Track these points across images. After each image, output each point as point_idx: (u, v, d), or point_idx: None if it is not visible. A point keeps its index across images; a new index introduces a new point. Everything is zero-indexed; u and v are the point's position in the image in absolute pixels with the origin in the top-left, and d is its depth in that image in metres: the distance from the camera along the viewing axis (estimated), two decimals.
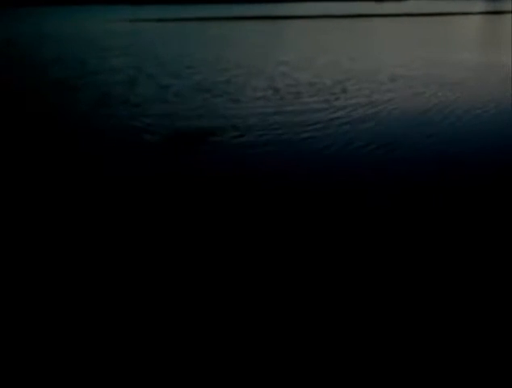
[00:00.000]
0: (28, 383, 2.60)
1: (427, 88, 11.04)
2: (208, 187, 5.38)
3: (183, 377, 2.64)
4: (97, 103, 9.99)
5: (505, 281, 3.48)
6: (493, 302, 3.26)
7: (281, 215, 4.63)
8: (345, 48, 20.32)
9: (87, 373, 2.66)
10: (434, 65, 14.77)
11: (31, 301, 3.34)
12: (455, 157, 6.29)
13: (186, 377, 2.64)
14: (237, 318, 3.15)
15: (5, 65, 16.09)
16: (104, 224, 4.49)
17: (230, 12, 55.06)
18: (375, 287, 3.43)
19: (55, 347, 2.88)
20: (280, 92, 10.71)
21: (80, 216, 4.68)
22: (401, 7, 61.97)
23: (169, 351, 2.84)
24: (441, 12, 48.97)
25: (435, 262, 3.76)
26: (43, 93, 11.19)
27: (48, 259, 3.89)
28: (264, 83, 11.91)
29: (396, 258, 3.82)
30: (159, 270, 3.70)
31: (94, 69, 15.17)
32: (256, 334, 2.98)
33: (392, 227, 4.34)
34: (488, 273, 3.59)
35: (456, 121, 8.10)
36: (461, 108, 9.01)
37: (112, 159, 6.39)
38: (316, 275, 3.60)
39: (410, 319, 3.10)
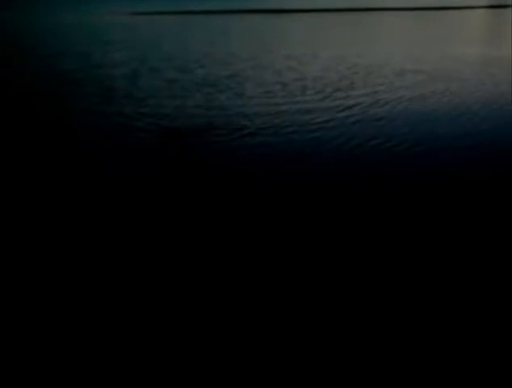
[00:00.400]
0: (28, 383, 2.57)
1: (438, 83, 10.87)
2: (214, 186, 5.25)
3: (183, 377, 2.61)
4: (101, 97, 9.85)
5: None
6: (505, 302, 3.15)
7: (294, 214, 4.50)
8: (351, 42, 20.12)
9: (87, 373, 2.64)
10: (443, 59, 14.57)
11: (30, 300, 3.30)
12: (475, 151, 6.15)
13: (185, 377, 2.61)
14: (241, 316, 3.09)
15: (4, 59, 15.96)
16: (105, 222, 4.37)
17: (233, 5, 54.71)
18: (390, 285, 3.31)
19: (54, 346, 2.85)
20: (288, 87, 10.55)
21: (80, 214, 4.57)
22: (405, 1, 61.51)
23: (168, 350, 2.81)
24: (446, 6, 48.59)
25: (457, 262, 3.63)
26: (45, 87, 11.05)
27: (47, 257, 3.82)
28: (271, 78, 11.75)
29: (419, 255, 3.70)
30: (159, 269, 3.62)
31: (96, 62, 15.01)
32: (257, 333, 2.93)
33: (418, 226, 4.21)
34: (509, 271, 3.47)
35: (473, 117, 7.94)
36: (476, 103, 8.84)
37: (114, 156, 6.27)
38: (337, 272, 3.48)
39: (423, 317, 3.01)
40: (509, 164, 5.76)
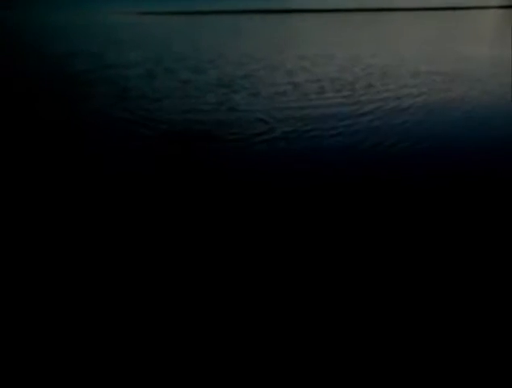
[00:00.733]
0: (27, 383, 2.58)
1: (455, 84, 10.68)
2: (231, 189, 5.11)
3: (183, 376, 2.62)
4: (113, 98, 9.76)
5: None
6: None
7: (317, 216, 4.36)
8: (364, 42, 19.94)
9: (86, 373, 2.64)
10: (458, 60, 14.38)
11: (30, 299, 3.30)
12: (498, 152, 5.98)
13: (185, 377, 2.62)
14: (248, 314, 3.08)
15: (16, 59, 15.93)
16: (110, 222, 4.28)
17: (243, 5, 54.51)
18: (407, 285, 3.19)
19: (53, 346, 2.85)
20: (302, 88, 10.40)
21: (84, 213, 4.49)
22: (417, 1, 61.08)
23: (168, 350, 2.81)
24: (458, 6, 48.22)
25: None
26: (59, 87, 10.98)
27: (46, 255, 3.76)
28: (285, 78, 11.62)
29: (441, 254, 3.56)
30: (162, 269, 3.57)
31: (109, 63, 14.95)
32: (260, 332, 2.93)
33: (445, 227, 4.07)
34: None
35: (494, 116, 7.76)
36: (494, 104, 8.65)
37: (128, 155, 6.16)
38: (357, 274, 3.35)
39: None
40: None
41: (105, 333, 2.97)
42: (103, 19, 34.13)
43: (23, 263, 3.75)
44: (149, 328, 3.01)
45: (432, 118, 7.92)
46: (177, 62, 14.69)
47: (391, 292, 3.34)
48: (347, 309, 3.15)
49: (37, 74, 12.88)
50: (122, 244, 4.02)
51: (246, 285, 3.45)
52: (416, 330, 2.95)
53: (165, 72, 12.89)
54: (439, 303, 3.20)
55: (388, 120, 7.79)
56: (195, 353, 2.79)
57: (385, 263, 3.72)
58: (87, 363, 2.72)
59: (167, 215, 4.54)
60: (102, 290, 3.38)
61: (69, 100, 9.57)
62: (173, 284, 3.45)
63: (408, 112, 8.26)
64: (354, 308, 3.17)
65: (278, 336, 2.92)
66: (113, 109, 8.74)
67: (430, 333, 2.92)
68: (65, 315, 3.14)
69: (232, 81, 11.35)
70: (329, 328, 2.99)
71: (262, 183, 5.30)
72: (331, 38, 21.53)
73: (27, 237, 4.18)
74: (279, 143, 6.66)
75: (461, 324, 2.99)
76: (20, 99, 9.80)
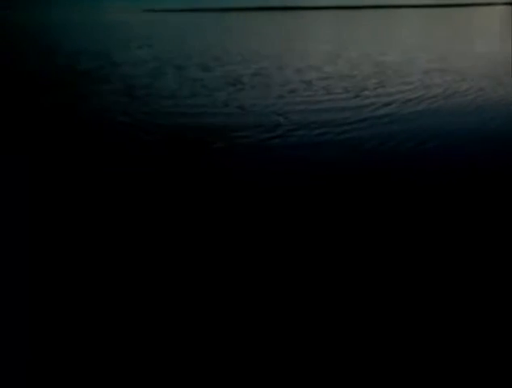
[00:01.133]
0: (27, 383, 2.58)
1: (467, 82, 10.57)
2: (241, 189, 5.06)
3: (182, 376, 2.62)
4: (122, 96, 9.71)
5: None
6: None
7: (330, 222, 4.30)
8: (373, 40, 19.82)
9: (86, 373, 2.64)
10: (467, 57, 14.25)
11: (30, 298, 3.30)
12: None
13: (185, 376, 2.62)
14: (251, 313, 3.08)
15: (24, 56, 15.93)
16: (115, 221, 4.24)
17: (247, 3, 54.36)
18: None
19: (53, 345, 2.84)
20: (313, 86, 10.33)
21: (90, 212, 4.47)
22: None
23: (167, 350, 2.80)
24: (466, 3, 47.89)
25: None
26: (68, 85, 10.95)
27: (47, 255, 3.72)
28: (294, 76, 11.54)
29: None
30: (165, 271, 3.54)
31: (117, 60, 14.92)
32: (258, 332, 2.93)
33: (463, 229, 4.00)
34: None
35: (506, 114, 7.67)
36: (506, 102, 8.55)
37: (133, 155, 6.11)
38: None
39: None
40: None
41: (105, 332, 2.94)
42: (106, 17, 34.12)
43: (22, 263, 3.72)
44: (150, 327, 2.99)
45: (445, 116, 7.83)
46: (183, 60, 14.64)
47: (398, 290, 3.30)
48: (347, 310, 3.12)
49: (41, 73, 12.86)
50: (124, 244, 3.97)
51: (249, 285, 3.42)
52: (417, 330, 2.92)
53: (172, 70, 12.84)
54: (442, 302, 3.16)
55: (401, 118, 7.71)
56: (194, 353, 2.77)
57: (390, 262, 3.67)
58: (87, 362, 2.70)
59: (174, 215, 4.49)
60: (102, 290, 3.35)
61: (74, 99, 9.53)
62: (174, 284, 3.42)
63: (421, 111, 8.17)
64: (354, 308, 3.13)
65: (278, 336, 2.90)
66: (119, 108, 8.70)
67: (430, 333, 2.89)
68: (66, 315, 3.12)
69: (240, 79, 11.29)
70: (329, 328, 2.97)
71: (273, 182, 5.25)
72: (337, 35, 21.42)
73: (26, 237, 4.14)
74: (289, 143, 6.60)
75: (462, 324, 2.96)
76: (25, 97, 9.78)
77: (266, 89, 10.13)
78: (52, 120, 7.95)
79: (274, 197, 4.87)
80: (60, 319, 3.10)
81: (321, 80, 10.94)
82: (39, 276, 3.56)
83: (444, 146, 6.42)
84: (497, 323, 2.96)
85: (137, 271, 3.66)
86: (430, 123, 7.46)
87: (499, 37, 20.20)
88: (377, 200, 4.80)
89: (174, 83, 10.89)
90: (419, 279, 3.46)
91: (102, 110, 8.55)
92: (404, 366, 2.67)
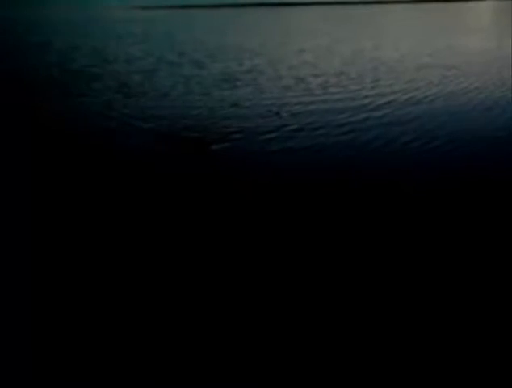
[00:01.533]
0: (27, 382, 2.58)
1: (462, 79, 10.55)
2: (237, 187, 4.99)
3: (182, 376, 2.61)
4: (117, 93, 9.60)
5: None
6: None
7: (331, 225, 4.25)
8: (366, 35, 19.78)
9: (86, 373, 2.63)
10: (462, 53, 14.24)
11: (30, 297, 3.29)
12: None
13: (185, 376, 2.61)
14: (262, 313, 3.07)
15: (18, 53, 15.75)
16: (112, 221, 4.17)
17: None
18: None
19: (53, 345, 2.83)
20: (306, 82, 10.25)
21: (86, 217, 4.39)
22: None
23: (167, 350, 2.79)
24: None
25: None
26: (58, 83, 10.81)
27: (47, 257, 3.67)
28: (289, 73, 11.47)
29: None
30: (164, 271, 3.51)
31: (112, 57, 14.76)
32: (258, 332, 2.92)
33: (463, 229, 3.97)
34: None
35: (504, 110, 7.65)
36: (508, 101, 8.53)
37: (130, 156, 6.03)
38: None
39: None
40: None
41: (104, 332, 2.92)
42: (95, 15, 33.86)
43: (21, 262, 3.67)
44: (150, 326, 2.97)
45: (447, 113, 7.79)
46: (176, 57, 14.52)
47: (404, 290, 3.26)
48: (348, 311, 3.10)
49: (31, 71, 12.71)
50: (123, 244, 3.92)
51: (250, 285, 3.39)
52: (418, 330, 2.91)
53: (165, 67, 12.72)
54: (445, 304, 3.13)
55: (397, 115, 7.67)
56: (194, 353, 2.76)
57: (393, 263, 3.63)
58: (87, 361, 2.69)
59: (171, 215, 4.42)
60: (102, 290, 3.33)
61: (69, 96, 9.41)
62: (174, 284, 3.40)
63: (416, 107, 8.13)
64: (355, 309, 3.11)
65: (278, 336, 2.89)
66: (111, 106, 8.58)
67: (430, 333, 2.88)
68: (66, 314, 3.09)
69: (234, 76, 11.19)
70: (329, 328, 2.95)
71: (270, 180, 5.18)
72: (330, 31, 21.37)
73: (24, 236, 4.08)
74: (285, 140, 6.53)
75: (463, 325, 2.95)
76: (20, 95, 9.64)
77: (261, 87, 10.05)
78: (43, 120, 7.83)
79: (273, 198, 4.81)
80: (60, 318, 3.06)
81: (316, 77, 10.87)
82: (40, 277, 3.50)
83: (447, 145, 6.38)
84: (496, 324, 2.94)
85: (135, 271, 3.60)
86: (429, 121, 7.42)
87: (489, 32, 20.27)
88: (376, 200, 4.75)
89: (168, 81, 10.78)
90: (423, 280, 3.44)
91: (94, 109, 8.43)
92: (403, 366, 2.65)
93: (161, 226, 4.28)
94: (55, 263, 3.73)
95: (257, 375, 2.61)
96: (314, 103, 8.44)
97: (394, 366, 2.65)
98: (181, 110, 8.16)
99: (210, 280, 3.47)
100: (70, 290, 3.35)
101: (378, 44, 16.62)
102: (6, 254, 3.83)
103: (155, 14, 33.25)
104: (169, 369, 2.66)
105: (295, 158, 5.87)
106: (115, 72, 12.13)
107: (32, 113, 8.19)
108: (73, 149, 6.31)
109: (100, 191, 5.03)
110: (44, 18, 30.97)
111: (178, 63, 13.32)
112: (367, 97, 8.79)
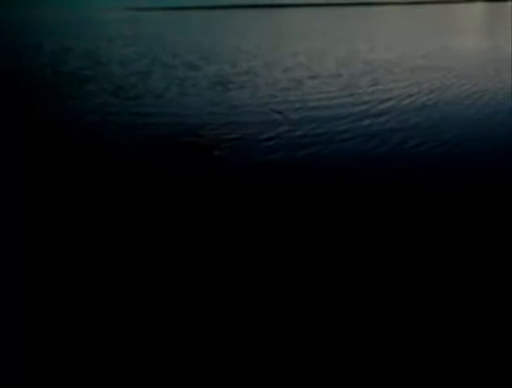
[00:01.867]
0: (27, 382, 2.57)
1: (456, 79, 10.55)
2: (233, 191, 4.94)
3: (182, 376, 2.61)
4: (110, 96, 9.50)
5: None
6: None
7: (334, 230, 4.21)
8: (359, 37, 19.80)
9: (86, 372, 2.62)
10: (457, 55, 14.27)
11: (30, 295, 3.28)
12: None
13: (185, 376, 2.61)
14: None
15: (10, 54, 15.60)
16: (109, 225, 4.11)
17: (232, 0, 53.96)
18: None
19: (54, 344, 2.81)
20: (301, 85, 10.22)
21: (84, 219, 4.33)
22: None
23: (167, 350, 2.79)
24: (444, 0, 48.23)
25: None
26: (51, 85, 10.70)
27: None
28: (284, 75, 11.42)
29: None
30: (163, 274, 3.48)
31: (103, 60, 14.65)
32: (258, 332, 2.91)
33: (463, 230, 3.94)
34: None
35: (509, 116, 7.65)
36: (507, 102, 8.53)
37: (121, 157, 5.97)
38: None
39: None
40: None
41: (105, 331, 2.91)
42: (94, 15, 33.67)
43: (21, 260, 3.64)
44: (150, 326, 2.96)
45: (435, 115, 7.78)
46: (170, 59, 14.44)
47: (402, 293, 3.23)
48: (348, 312, 3.10)
49: (24, 73, 12.58)
50: (121, 246, 3.88)
51: (250, 286, 3.37)
52: (418, 330, 2.91)
53: (159, 69, 12.64)
54: (447, 305, 3.13)
55: (393, 118, 7.64)
56: (195, 353, 2.75)
57: (394, 264, 3.60)
58: (87, 361, 2.68)
59: (168, 220, 4.37)
60: (103, 289, 3.32)
61: (61, 99, 9.31)
62: (174, 284, 3.39)
63: (411, 110, 8.12)
64: (356, 310, 3.11)
65: (278, 335, 2.88)
66: (107, 109, 8.49)
67: (430, 333, 2.88)
68: (66, 312, 3.08)
69: (229, 78, 11.14)
70: (329, 328, 2.96)
71: (268, 185, 5.14)
72: (323, 33, 21.39)
73: (20, 237, 4.02)
74: (282, 144, 6.48)
75: (463, 325, 2.95)
76: (10, 98, 9.52)
77: (257, 89, 10.00)
78: (36, 122, 7.73)
79: (272, 200, 4.76)
80: (59, 317, 3.04)
81: (311, 79, 10.84)
82: (37, 277, 3.46)
83: (447, 147, 6.36)
84: (496, 324, 2.94)
85: (135, 271, 3.57)
86: (425, 122, 7.40)
87: (482, 33, 20.39)
88: (375, 199, 4.72)
89: (161, 83, 10.70)
90: (425, 279, 3.41)
91: (87, 111, 8.33)
92: (403, 366, 2.64)
93: (160, 229, 4.23)
94: (53, 263, 3.69)
95: (257, 375, 2.60)
96: (306, 105, 8.40)
97: (394, 365, 2.64)
98: (175, 113, 8.10)
99: (210, 280, 3.45)
100: (69, 290, 3.33)
101: (372, 47, 16.64)
102: (3, 254, 3.78)
103: (149, 16, 33.11)
104: (169, 369, 2.64)
105: (289, 162, 5.83)
106: (108, 74, 12.03)
107: (23, 116, 8.09)
108: (67, 153, 6.22)
109: (96, 194, 4.96)
110: (36, 19, 30.76)
111: (171, 65, 13.25)
112: (359, 99, 8.77)
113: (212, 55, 15.06)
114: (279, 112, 8.01)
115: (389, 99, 8.75)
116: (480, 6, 39.13)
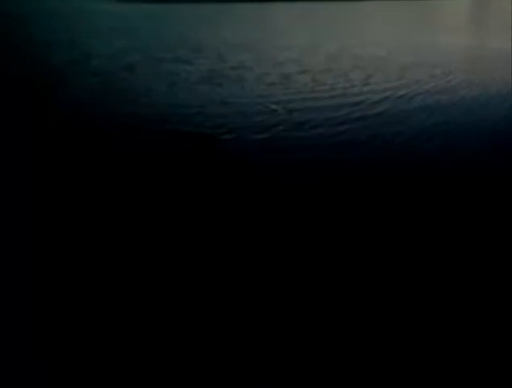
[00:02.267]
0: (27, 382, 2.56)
1: (449, 76, 10.62)
2: (230, 186, 4.94)
3: (182, 376, 2.61)
4: (101, 90, 9.41)
5: None
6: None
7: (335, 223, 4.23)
8: (349, 32, 19.83)
9: (86, 372, 2.62)
10: (448, 51, 14.34)
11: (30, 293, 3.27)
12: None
13: (184, 376, 2.61)
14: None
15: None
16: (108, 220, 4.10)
17: None
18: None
19: (55, 344, 2.81)
20: (293, 80, 10.22)
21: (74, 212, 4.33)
22: None
23: (167, 349, 2.78)
24: None
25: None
26: (41, 79, 10.57)
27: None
28: (278, 71, 11.41)
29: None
30: (162, 271, 3.50)
31: (91, 52, 14.48)
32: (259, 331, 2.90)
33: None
34: None
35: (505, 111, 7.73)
36: (499, 98, 8.60)
37: (116, 153, 5.92)
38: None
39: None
40: None
41: (105, 331, 2.90)
42: (81, 6, 33.21)
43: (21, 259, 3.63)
44: (150, 326, 2.94)
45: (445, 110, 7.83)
46: (161, 52, 14.33)
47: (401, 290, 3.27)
48: (348, 309, 3.11)
49: (16, 67, 12.41)
50: (120, 241, 3.88)
51: (249, 283, 3.38)
52: (417, 329, 2.92)
53: (150, 63, 12.54)
54: (443, 304, 3.15)
55: (399, 113, 7.68)
56: (195, 352, 2.74)
57: (393, 261, 3.62)
58: (87, 361, 2.67)
59: (165, 216, 4.37)
60: (103, 289, 3.30)
61: (49, 92, 9.19)
62: (174, 283, 3.38)
63: (420, 105, 8.16)
64: (355, 307, 3.12)
65: (278, 334, 2.88)
66: (97, 103, 8.41)
67: (430, 332, 2.89)
68: (66, 311, 3.07)
69: (221, 72, 11.09)
70: (329, 326, 2.96)
71: (258, 178, 5.14)
72: (313, 28, 21.39)
73: (26, 235, 4.00)
74: (276, 139, 6.49)
75: (462, 324, 2.96)
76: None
77: (249, 84, 9.97)
78: (28, 118, 7.64)
79: (271, 197, 4.76)
80: (61, 317, 3.01)
81: (302, 74, 10.84)
82: (39, 276, 3.44)
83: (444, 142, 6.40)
84: (496, 323, 2.96)
85: (140, 266, 3.56)
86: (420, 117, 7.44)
87: (469, 30, 20.56)
88: (375, 196, 4.74)
89: (153, 77, 10.63)
90: (428, 278, 3.43)
91: (78, 105, 8.25)
92: (403, 366, 2.64)
93: (160, 223, 4.22)
94: (55, 260, 3.67)
95: (256, 375, 2.59)
96: (298, 100, 8.41)
97: (393, 365, 2.64)
98: (168, 105, 8.06)
99: (209, 275, 3.45)
100: (67, 289, 3.31)
101: (363, 42, 16.68)
102: (4, 250, 3.76)
103: (137, 8, 32.78)
104: (169, 369, 2.63)
105: (276, 153, 5.83)
106: (97, 68, 11.91)
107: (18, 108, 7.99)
108: (68, 147, 6.17)
109: (94, 186, 4.93)
110: (18, 11, 30.30)
111: (162, 59, 13.15)
112: (352, 95, 8.80)
113: (204, 48, 14.97)
114: (273, 105, 8.00)
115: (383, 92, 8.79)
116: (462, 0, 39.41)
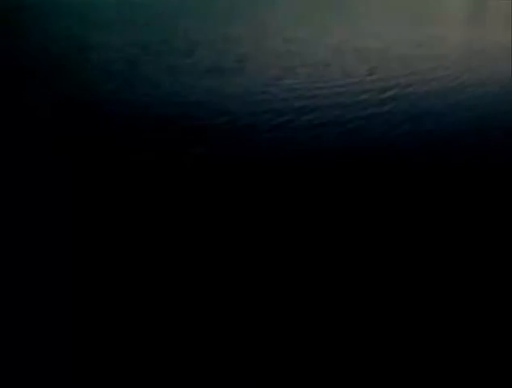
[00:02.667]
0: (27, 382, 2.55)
1: (453, 72, 10.55)
2: (228, 178, 4.87)
3: (182, 377, 2.60)
4: (98, 84, 9.29)
5: None
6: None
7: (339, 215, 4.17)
8: (349, 24, 19.72)
9: (87, 372, 2.62)
10: (449, 44, 14.27)
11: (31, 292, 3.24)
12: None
13: (185, 377, 2.60)
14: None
15: None
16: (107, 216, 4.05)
17: None
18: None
19: (54, 343, 2.81)
20: (294, 73, 10.12)
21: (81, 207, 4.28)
22: None
23: (168, 349, 2.77)
24: None
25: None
26: (37, 72, 10.44)
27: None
28: (281, 63, 11.32)
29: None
30: (162, 269, 3.49)
31: (89, 44, 14.32)
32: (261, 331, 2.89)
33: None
34: None
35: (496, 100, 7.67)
36: (499, 89, 8.55)
37: (117, 147, 5.84)
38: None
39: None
40: None
41: (104, 332, 2.88)
42: None
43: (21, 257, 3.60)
44: (149, 325, 2.93)
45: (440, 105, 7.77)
46: (160, 45, 14.19)
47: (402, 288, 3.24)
48: (348, 306, 3.09)
49: (7, 59, 12.26)
50: (119, 238, 3.84)
51: (250, 280, 3.36)
52: (417, 328, 2.90)
53: (149, 56, 12.42)
54: (442, 301, 3.13)
55: (404, 105, 7.62)
56: (195, 352, 2.73)
57: (393, 259, 3.58)
58: (87, 361, 2.67)
59: (166, 209, 4.33)
60: (104, 289, 3.28)
61: (47, 88, 9.07)
62: (173, 283, 3.35)
63: (425, 98, 8.09)
64: (354, 304, 3.11)
65: (278, 333, 2.87)
66: (97, 96, 8.30)
67: (429, 332, 2.87)
68: (67, 310, 3.06)
69: (221, 66, 10.98)
70: (330, 325, 2.94)
71: (261, 171, 5.07)
72: (316, 19, 21.28)
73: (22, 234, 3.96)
74: (277, 132, 6.41)
75: (462, 323, 2.94)
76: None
77: (250, 77, 9.87)
78: (24, 113, 7.53)
79: (271, 193, 4.69)
80: (60, 318, 2.99)
81: (305, 67, 10.74)
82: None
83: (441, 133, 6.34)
84: (496, 321, 2.95)
85: (142, 262, 3.51)
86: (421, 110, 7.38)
87: (469, 22, 20.48)
88: (374, 192, 4.69)
89: (152, 70, 10.50)
90: (428, 275, 3.39)
91: (76, 98, 8.14)
92: (403, 366, 2.62)
93: (160, 219, 4.15)
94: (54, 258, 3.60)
95: (256, 375, 2.58)
96: (300, 94, 8.32)
97: (393, 364, 2.63)
98: (168, 99, 7.96)
99: (210, 268, 3.43)
100: (69, 286, 3.28)
101: (363, 34, 16.59)
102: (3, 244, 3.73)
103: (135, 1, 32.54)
104: (169, 369, 2.62)
105: (280, 146, 5.76)
106: (96, 60, 11.77)
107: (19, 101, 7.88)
108: (65, 140, 6.07)
109: (90, 180, 4.85)
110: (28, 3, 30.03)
111: (161, 51, 13.02)
112: (355, 89, 8.71)
113: (204, 41, 14.83)
114: (275, 97, 7.92)
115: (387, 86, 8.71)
116: None
